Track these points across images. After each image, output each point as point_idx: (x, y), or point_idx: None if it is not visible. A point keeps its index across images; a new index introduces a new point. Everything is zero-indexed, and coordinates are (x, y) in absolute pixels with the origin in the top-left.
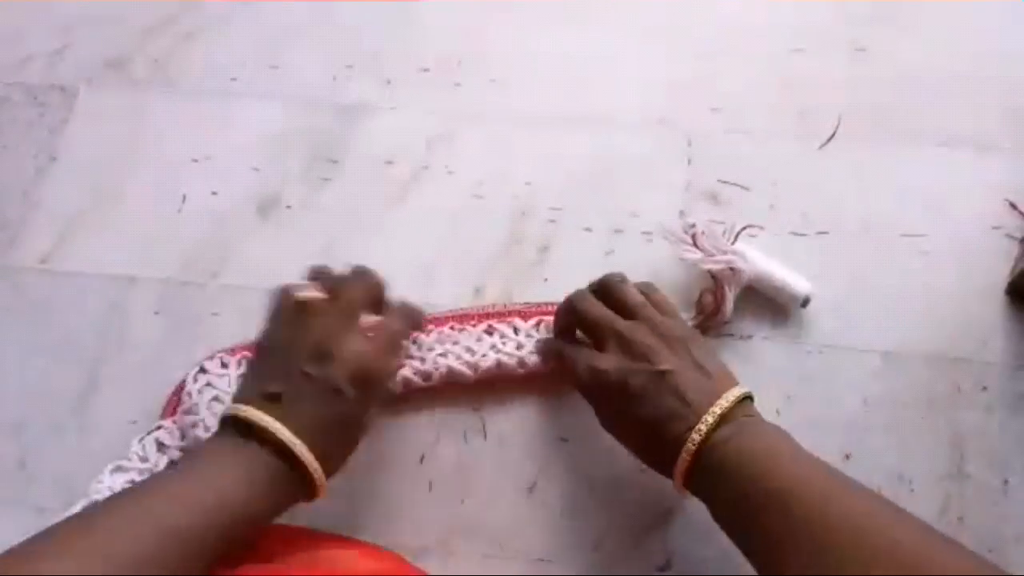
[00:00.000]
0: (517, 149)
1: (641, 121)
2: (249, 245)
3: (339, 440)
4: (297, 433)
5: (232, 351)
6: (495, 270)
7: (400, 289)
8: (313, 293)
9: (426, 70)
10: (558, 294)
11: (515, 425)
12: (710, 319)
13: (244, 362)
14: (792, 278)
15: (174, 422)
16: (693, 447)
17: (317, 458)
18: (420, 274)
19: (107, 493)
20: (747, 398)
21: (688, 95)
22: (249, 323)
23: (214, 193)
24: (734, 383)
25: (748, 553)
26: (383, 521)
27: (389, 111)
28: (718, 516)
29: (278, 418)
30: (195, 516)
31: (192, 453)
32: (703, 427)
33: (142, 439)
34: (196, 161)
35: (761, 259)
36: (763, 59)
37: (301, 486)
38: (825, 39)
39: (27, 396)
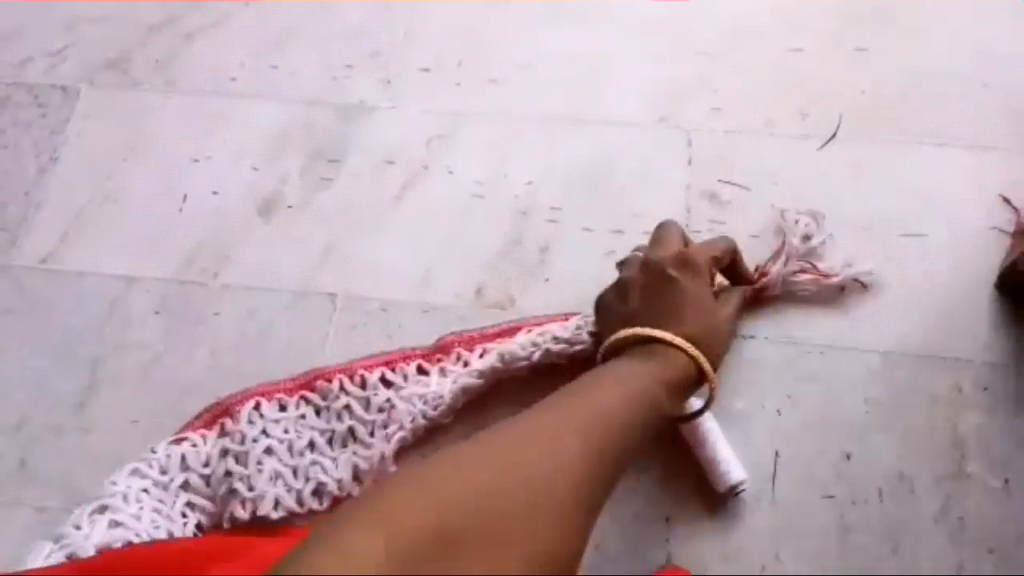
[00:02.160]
0: (517, 149)
1: (641, 121)
2: (249, 245)
3: (697, 318)
4: (662, 327)
5: (290, 389)
6: (496, 270)
7: (400, 289)
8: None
9: (426, 70)
10: (559, 294)
11: None
12: None
13: (303, 403)
14: (732, 464)
15: (204, 437)
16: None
17: (688, 339)
18: (420, 274)
19: (121, 496)
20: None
21: (688, 95)
22: (250, 323)
23: (215, 193)
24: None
25: None
26: None
27: (389, 111)
28: None
29: (645, 324)
30: (618, 399)
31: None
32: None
33: (168, 445)
34: (197, 161)
35: (712, 430)
36: (763, 59)
37: (686, 362)
38: (825, 39)
39: (27, 395)
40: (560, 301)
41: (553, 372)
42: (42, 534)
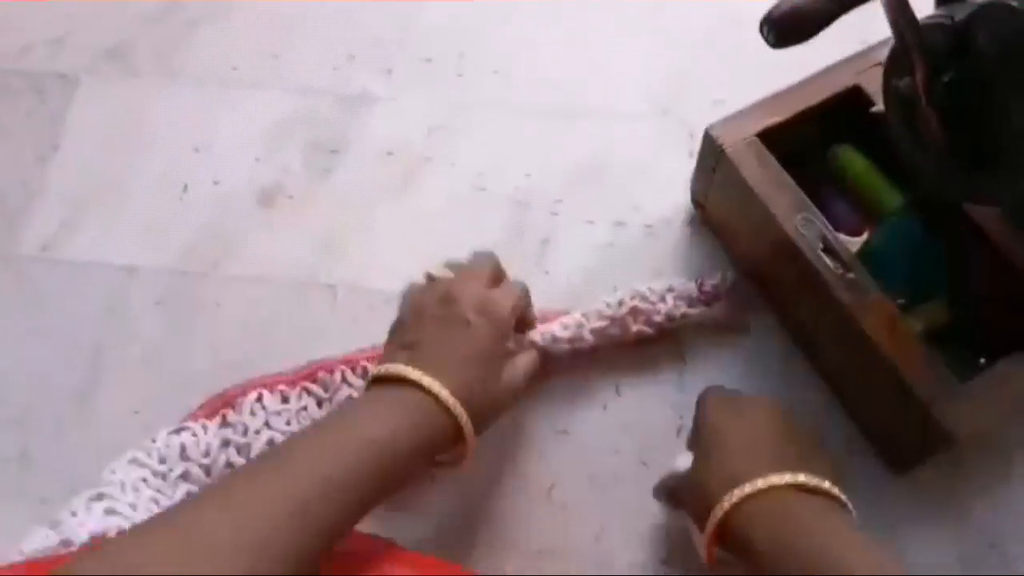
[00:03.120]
0: (519, 140)
1: (643, 113)
2: (250, 235)
3: (480, 375)
4: (437, 373)
5: (292, 381)
6: None
7: (402, 280)
8: (442, 271)
9: (428, 61)
10: (559, 286)
11: (515, 418)
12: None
13: (305, 394)
14: None
15: (204, 426)
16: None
17: (458, 395)
18: (421, 265)
19: (118, 484)
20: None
21: (690, 87)
22: (251, 314)
23: (215, 182)
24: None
25: None
26: (383, 512)
27: (390, 101)
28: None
29: (415, 363)
30: (341, 460)
31: (337, 408)
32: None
33: (168, 435)
34: (197, 150)
35: None
36: (765, 50)
37: (445, 422)
38: (829, 29)
39: (28, 386)
40: (560, 293)
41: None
42: (44, 525)
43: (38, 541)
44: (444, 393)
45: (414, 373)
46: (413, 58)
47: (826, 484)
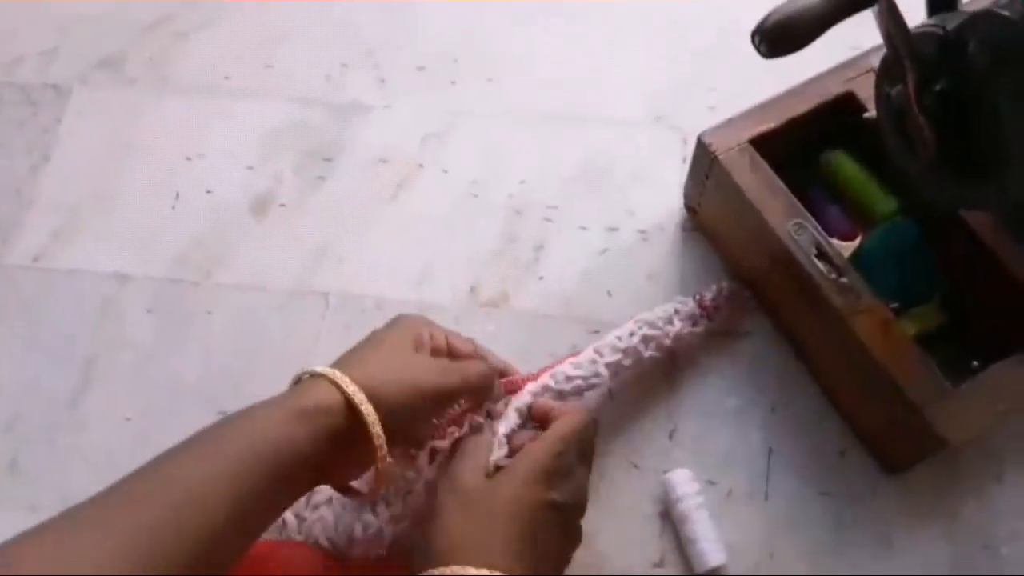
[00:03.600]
0: (512, 147)
1: (636, 120)
2: (243, 243)
3: (380, 362)
4: (347, 371)
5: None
6: (490, 269)
7: (395, 287)
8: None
9: (421, 68)
10: (553, 293)
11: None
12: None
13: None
14: (712, 545)
15: None
16: None
17: (356, 379)
18: (415, 273)
19: None
20: None
21: (685, 93)
22: (243, 322)
23: (208, 191)
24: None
25: None
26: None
27: (384, 109)
28: None
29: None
30: (234, 456)
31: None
32: None
33: None
34: (190, 159)
35: (697, 508)
36: (758, 57)
37: (348, 417)
38: (824, 38)
39: (20, 394)
40: (554, 299)
41: None
42: None
43: None
44: (330, 370)
45: (321, 369)
46: (406, 66)
47: None
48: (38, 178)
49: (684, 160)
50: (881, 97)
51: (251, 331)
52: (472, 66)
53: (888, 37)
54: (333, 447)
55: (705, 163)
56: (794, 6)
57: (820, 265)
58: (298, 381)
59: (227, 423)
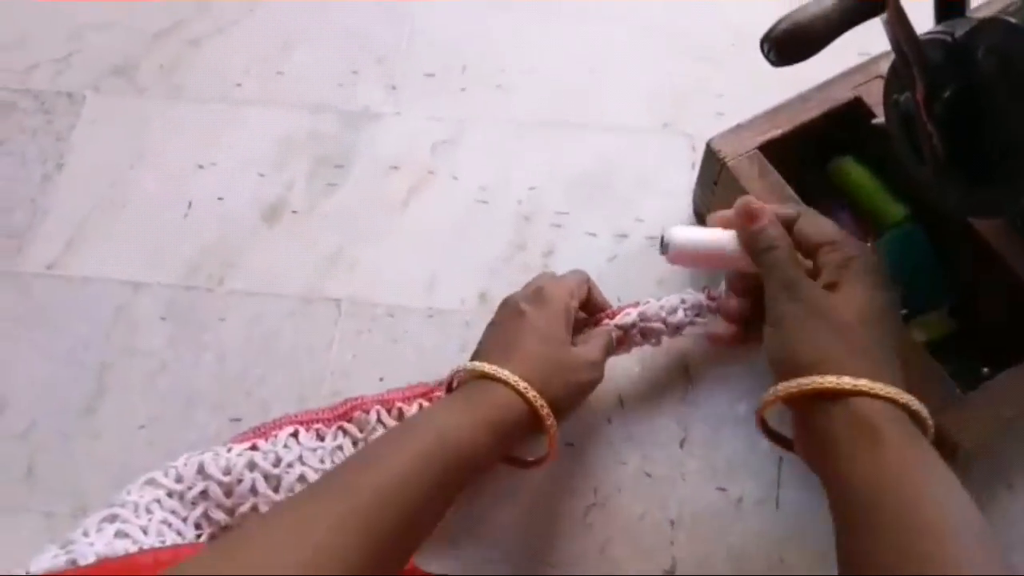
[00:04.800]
0: (521, 154)
1: (645, 126)
2: (255, 251)
3: (545, 356)
4: (503, 363)
5: (328, 419)
6: (500, 275)
7: (406, 294)
8: None
9: (431, 75)
10: None
11: None
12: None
13: (341, 433)
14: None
15: (228, 447)
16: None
17: (529, 380)
18: (425, 279)
19: (132, 506)
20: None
21: (692, 99)
22: (255, 329)
23: (220, 199)
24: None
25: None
26: None
27: (394, 117)
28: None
29: (486, 360)
30: (405, 461)
31: (408, 420)
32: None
33: (190, 457)
34: (202, 167)
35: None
36: (766, 63)
37: (519, 407)
38: (831, 44)
39: (35, 401)
40: None
41: None
42: (49, 540)
43: (46, 560)
44: (507, 376)
45: (476, 364)
46: (416, 73)
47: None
48: (51, 186)
49: (693, 166)
50: (890, 103)
51: (264, 338)
52: (481, 73)
53: (896, 44)
54: (510, 445)
55: (714, 169)
56: (803, 14)
57: None
58: (462, 374)
59: (410, 430)
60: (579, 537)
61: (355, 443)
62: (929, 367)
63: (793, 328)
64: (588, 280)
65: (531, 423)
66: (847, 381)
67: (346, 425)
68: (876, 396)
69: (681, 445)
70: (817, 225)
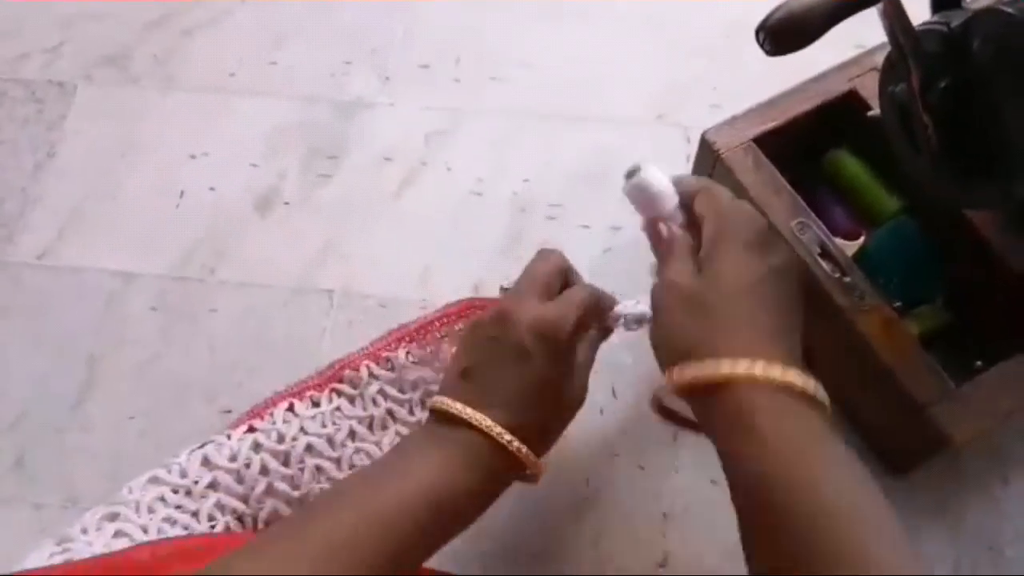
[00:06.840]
0: (516, 146)
1: (640, 118)
2: (247, 241)
3: (539, 405)
4: (490, 406)
5: (319, 384)
6: (494, 267)
7: (398, 285)
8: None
9: (425, 67)
10: None
11: None
12: None
13: (335, 395)
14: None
15: (227, 435)
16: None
17: (516, 427)
18: (419, 271)
19: (133, 504)
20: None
21: (687, 92)
22: (247, 319)
23: (212, 189)
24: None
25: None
26: None
27: (388, 107)
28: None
29: (471, 395)
30: (392, 501)
31: (396, 445)
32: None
33: (192, 451)
34: (194, 157)
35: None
36: (761, 55)
37: (506, 459)
38: (826, 35)
39: (25, 392)
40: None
41: None
42: (39, 532)
43: (43, 558)
44: (506, 435)
45: (467, 412)
46: (410, 64)
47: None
48: (43, 176)
49: (688, 158)
50: (885, 95)
51: (255, 329)
52: (475, 64)
53: (892, 35)
54: (494, 483)
55: (708, 161)
56: (799, 3)
57: (824, 264)
58: (437, 411)
59: (381, 472)
60: (571, 530)
61: (352, 400)
62: (922, 360)
63: (665, 315)
64: (591, 298)
65: (518, 470)
66: (723, 371)
67: (338, 386)
68: (754, 381)
69: (675, 438)
70: (707, 200)
